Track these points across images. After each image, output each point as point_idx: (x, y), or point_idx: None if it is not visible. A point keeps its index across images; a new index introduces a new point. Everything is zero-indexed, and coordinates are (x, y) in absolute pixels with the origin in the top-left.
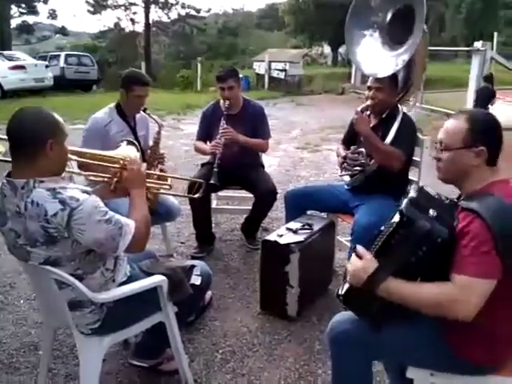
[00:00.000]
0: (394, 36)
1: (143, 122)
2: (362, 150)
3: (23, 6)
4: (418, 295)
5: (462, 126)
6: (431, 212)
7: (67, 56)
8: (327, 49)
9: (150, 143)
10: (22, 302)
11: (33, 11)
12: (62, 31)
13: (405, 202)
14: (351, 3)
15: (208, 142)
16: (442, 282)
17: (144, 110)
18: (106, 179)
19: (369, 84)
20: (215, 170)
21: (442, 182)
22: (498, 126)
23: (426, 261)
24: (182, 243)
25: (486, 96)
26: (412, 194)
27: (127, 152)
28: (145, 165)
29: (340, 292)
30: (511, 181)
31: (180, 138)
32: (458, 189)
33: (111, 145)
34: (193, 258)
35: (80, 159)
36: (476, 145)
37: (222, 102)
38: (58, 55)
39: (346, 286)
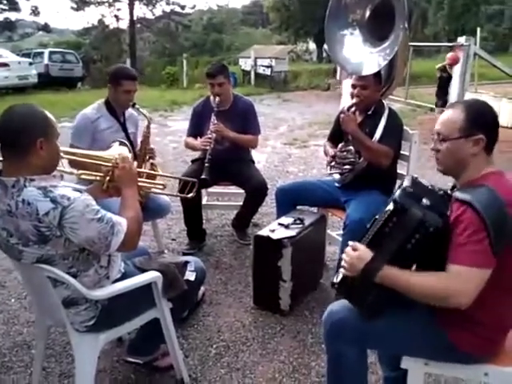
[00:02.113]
0: (375, 32)
1: (133, 120)
2: (351, 147)
3: (4, 2)
4: (414, 283)
5: (459, 115)
6: (424, 201)
7: (51, 53)
8: (312, 45)
9: (140, 139)
10: (12, 300)
11: (15, 8)
12: (45, 28)
13: (399, 191)
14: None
15: (199, 138)
16: (438, 272)
17: (133, 105)
18: (98, 178)
19: (353, 82)
20: (206, 164)
21: (442, 173)
22: (494, 113)
23: (420, 248)
24: (172, 240)
25: (445, 83)
26: (406, 183)
27: (119, 152)
28: (135, 163)
29: (335, 280)
30: (505, 173)
31: (167, 135)
32: (456, 179)
33: (101, 141)
34: (184, 254)
35: (72, 157)
36: (474, 133)
37: (212, 98)
38: (42, 52)
39: (341, 275)
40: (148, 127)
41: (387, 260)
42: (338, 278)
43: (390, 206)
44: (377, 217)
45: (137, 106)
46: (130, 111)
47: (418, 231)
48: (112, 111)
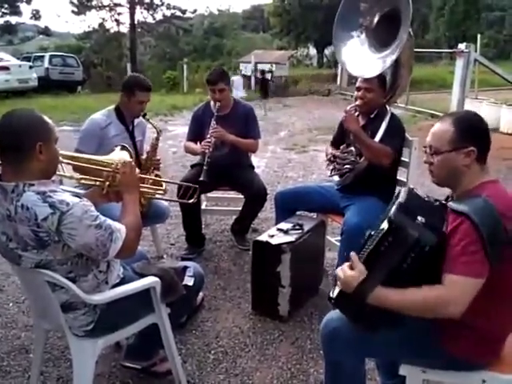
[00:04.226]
0: (380, 39)
1: (141, 128)
2: (352, 148)
3: (6, 6)
4: (406, 300)
5: (449, 128)
6: (419, 218)
7: (52, 57)
8: (312, 50)
9: (148, 148)
10: (11, 305)
11: (16, 12)
12: (46, 32)
13: (394, 208)
14: (338, 5)
15: (198, 143)
16: (429, 286)
17: (144, 116)
18: (97, 183)
19: (358, 84)
20: (205, 167)
21: (436, 185)
22: (484, 124)
23: (416, 267)
24: (171, 245)
25: (265, 82)
26: (401, 198)
27: (120, 156)
28: (137, 170)
29: (331, 295)
30: (500, 181)
31: (168, 140)
32: (452, 190)
33: (108, 147)
34: (183, 259)
35: (72, 162)
36: (464, 145)
37: (212, 103)
38: (43, 56)
39: (338, 289)
40: (157, 139)
41: (382, 279)
42: (334, 293)
43: (385, 225)
44: (372, 232)
45: (147, 117)
46: (138, 118)
47: (414, 250)
48: (122, 118)
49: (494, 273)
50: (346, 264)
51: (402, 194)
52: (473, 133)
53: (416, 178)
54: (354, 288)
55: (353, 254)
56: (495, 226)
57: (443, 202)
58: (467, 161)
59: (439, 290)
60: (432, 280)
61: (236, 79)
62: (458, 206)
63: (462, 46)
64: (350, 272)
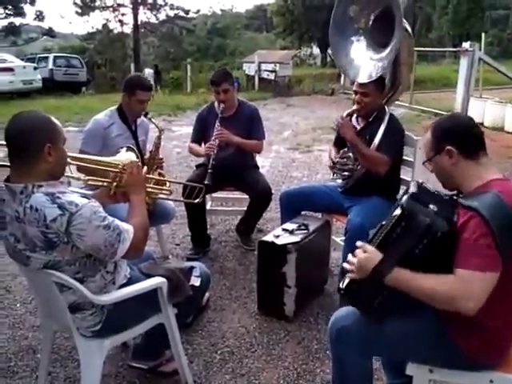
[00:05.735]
0: (378, 39)
1: (143, 128)
2: (350, 154)
3: (9, 7)
4: (423, 287)
5: (428, 136)
6: (431, 206)
7: (56, 58)
8: (316, 50)
9: (150, 147)
10: (18, 305)
11: (19, 13)
12: (50, 33)
13: (405, 196)
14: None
15: (203, 144)
16: (447, 275)
17: (145, 115)
18: (105, 184)
19: (354, 88)
20: (209, 171)
21: (446, 189)
22: (459, 121)
23: (428, 253)
24: (177, 245)
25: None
26: (412, 189)
27: (127, 157)
28: (145, 169)
29: (341, 286)
30: (510, 179)
31: (172, 140)
32: (461, 191)
33: (111, 147)
34: (188, 259)
35: (80, 163)
36: (443, 147)
37: (216, 103)
38: (47, 57)
39: (347, 280)
40: (159, 137)
41: (397, 262)
42: (343, 284)
43: (398, 211)
44: (383, 222)
45: (149, 116)
46: (141, 118)
47: (426, 236)
48: (124, 118)
49: (507, 271)
50: (357, 250)
51: (411, 187)
52: (446, 133)
53: (420, 176)
54: (370, 270)
55: (359, 242)
56: (506, 221)
57: (453, 197)
58: (452, 160)
59: (455, 285)
60: (444, 268)
61: (147, 71)
62: (467, 202)
63: (466, 45)
64: (364, 254)
